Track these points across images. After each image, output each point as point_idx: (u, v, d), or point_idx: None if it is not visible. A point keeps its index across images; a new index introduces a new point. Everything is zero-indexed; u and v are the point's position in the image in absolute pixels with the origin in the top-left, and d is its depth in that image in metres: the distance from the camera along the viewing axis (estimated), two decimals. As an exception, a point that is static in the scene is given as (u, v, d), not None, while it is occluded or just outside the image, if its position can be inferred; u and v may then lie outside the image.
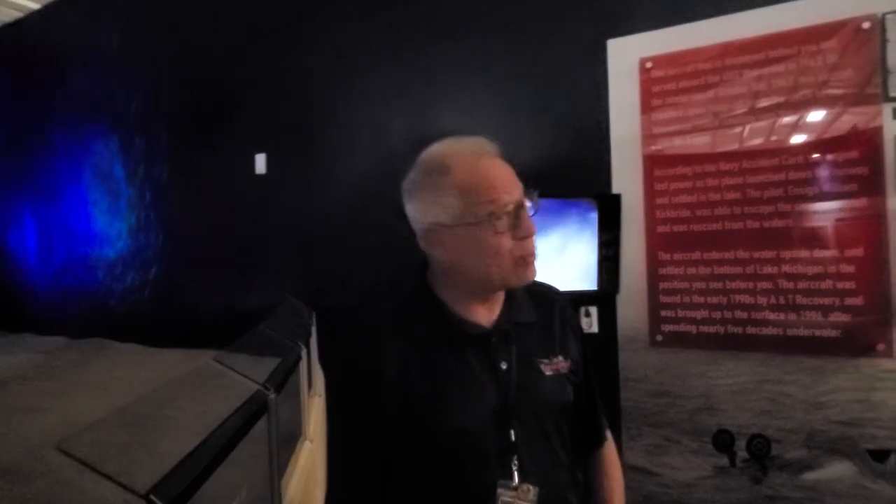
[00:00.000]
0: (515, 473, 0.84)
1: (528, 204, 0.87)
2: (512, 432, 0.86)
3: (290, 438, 1.37)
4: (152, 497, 0.51)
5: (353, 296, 2.59)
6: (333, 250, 2.70)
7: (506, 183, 0.85)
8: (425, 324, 0.88)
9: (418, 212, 0.88)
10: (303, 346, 1.46)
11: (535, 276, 0.89)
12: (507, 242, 0.84)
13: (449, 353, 0.87)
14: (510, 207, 0.84)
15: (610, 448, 1.08)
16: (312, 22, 2.81)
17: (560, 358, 0.93)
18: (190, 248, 3.30)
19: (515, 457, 0.85)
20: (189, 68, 3.31)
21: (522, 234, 0.85)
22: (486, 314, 0.91)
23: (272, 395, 0.94)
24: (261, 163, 3.05)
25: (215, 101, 3.21)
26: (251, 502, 0.89)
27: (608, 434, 1.09)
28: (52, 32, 4.00)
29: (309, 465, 1.30)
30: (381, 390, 0.85)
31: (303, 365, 1.43)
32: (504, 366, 0.87)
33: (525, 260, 0.87)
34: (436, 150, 0.90)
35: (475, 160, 0.86)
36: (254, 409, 0.87)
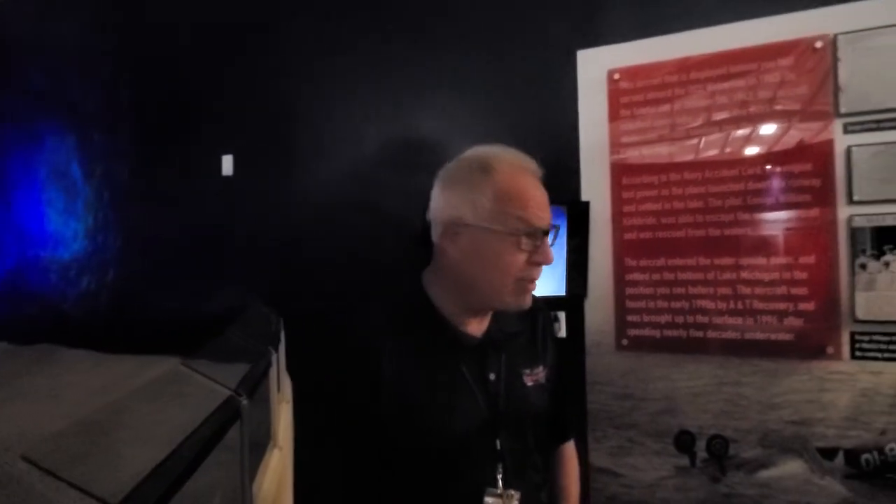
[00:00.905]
0: (500, 480, 0.86)
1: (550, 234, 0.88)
2: (498, 441, 0.88)
3: (259, 446, 1.35)
4: (124, 508, 0.49)
5: (322, 301, 2.56)
6: (302, 255, 2.66)
7: (541, 204, 0.86)
8: (421, 330, 0.89)
9: (447, 202, 0.88)
10: (273, 352, 1.43)
11: (529, 304, 0.90)
12: (520, 262, 0.84)
13: (443, 361, 0.88)
14: (538, 229, 0.84)
15: (571, 443, 1.15)
16: (283, 19, 2.77)
17: (540, 367, 0.96)
18: (151, 250, 3.19)
19: (501, 464, 0.87)
20: (152, 64, 3.21)
21: (538, 260, 0.86)
22: (477, 324, 0.92)
23: (244, 402, 0.93)
24: (227, 164, 2.97)
25: (180, 98, 3.12)
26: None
27: (572, 434, 1.14)
28: (1, 23, 3.82)
29: (279, 472, 1.28)
30: (379, 392, 0.85)
31: (272, 371, 1.41)
32: (493, 377, 0.89)
33: (527, 286, 0.88)
34: (482, 149, 0.91)
35: (518, 172, 0.86)
36: (226, 416, 0.85)
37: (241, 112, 2.89)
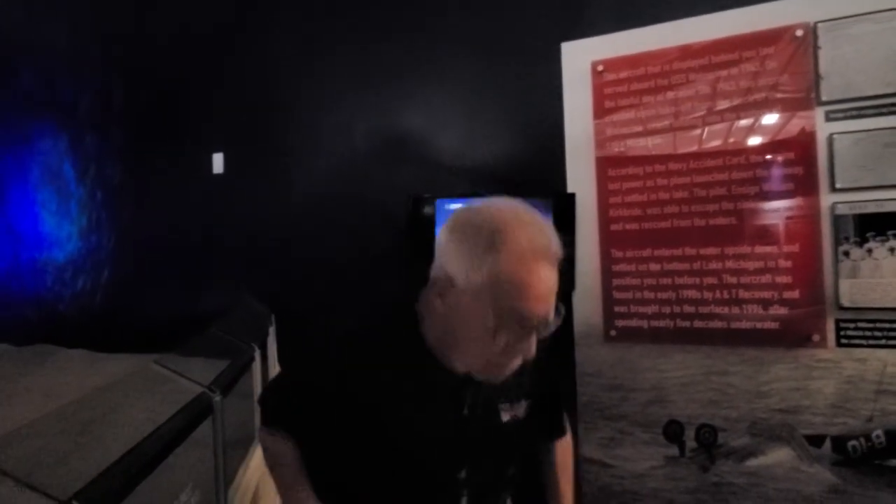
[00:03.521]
0: None
1: (552, 318, 0.80)
2: (464, 472, 0.89)
3: (244, 443, 1.36)
4: (75, 503, 0.50)
5: (314, 295, 2.57)
6: (294, 252, 2.67)
7: (541, 296, 0.78)
8: (407, 360, 0.88)
9: (445, 257, 0.82)
10: (256, 348, 1.44)
11: (501, 379, 0.85)
12: (498, 345, 0.79)
13: (423, 393, 0.88)
14: (528, 323, 0.78)
15: (566, 439, 1.13)
16: (272, 18, 2.77)
17: (522, 402, 0.95)
18: (144, 250, 3.20)
19: (465, 497, 0.89)
20: (143, 64, 3.21)
21: (518, 351, 0.81)
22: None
23: (217, 398, 0.93)
24: (218, 162, 2.98)
25: (170, 98, 3.12)
26: (196, 506, 0.88)
27: (567, 428, 1.14)
28: (-7, 25, 3.82)
29: (261, 469, 1.29)
30: (354, 414, 0.86)
31: (256, 367, 1.42)
32: (466, 411, 0.89)
33: (501, 369, 0.83)
34: (497, 214, 0.80)
35: (527, 257, 0.77)
36: (196, 412, 0.86)
37: (230, 111, 2.89)
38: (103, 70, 3.37)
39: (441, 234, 0.85)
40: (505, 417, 0.91)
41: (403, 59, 2.46)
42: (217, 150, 2.95)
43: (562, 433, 1.13)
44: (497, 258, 0.77)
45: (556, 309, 0.81)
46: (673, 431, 1.97)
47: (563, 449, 1.13)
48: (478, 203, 0.85)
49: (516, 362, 0.83)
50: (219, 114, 2.96)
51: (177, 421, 0.78)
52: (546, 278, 0.78)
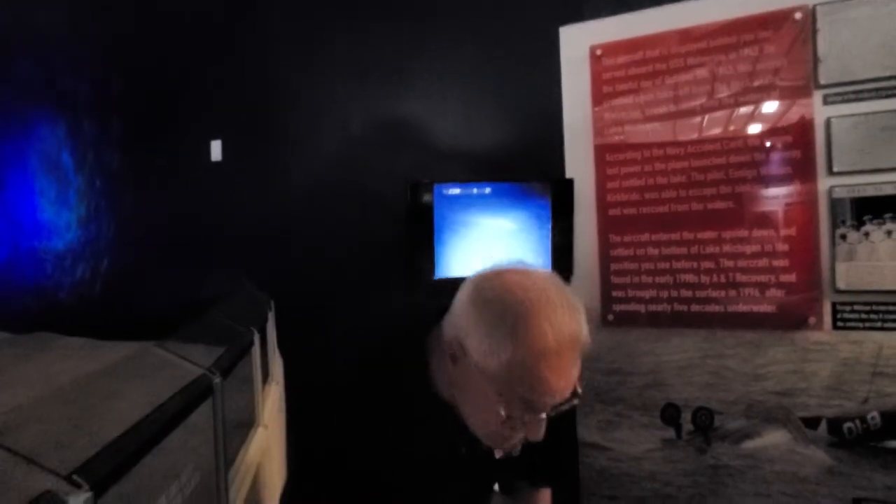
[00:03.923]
0: None
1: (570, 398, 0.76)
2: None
3: (244, 426, 1.37)
4: (75, 478, 0.51)
5: (314, 282, 2.58)
6: (293, 237, 2.67)
7: (556, 391, 0.73)
8: (415, 410, 0.88)
9: (459, 324, 0.78)
10: (256, 332, 1.45)
11: (505, 450, 0.83)
12: (502, 420, 0.75)
13: (427, 428, 0.88)
14: (536, 409, 0.75)
15: (544, 492, 1.08)
16: (271, 4, 2.75)
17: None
18: (143, 238, 3.20)
19: None
20: (140, 50, 3.19)
21: (522, 435, 0.78)
22: None
23: (217, 379, 0.94)
24: (216, 150, 2.97)
25: (168, 84, 3.10)
26: (197, 487, 0.90)
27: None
28: (-12, 12, 3.79)
29: (262, 451, 1.31)
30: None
31: (255, 351, 1.43)
32: (464, 450, 0.89)
33: (505, 441, 0.81)
34: (523, 297, 0.74)
35: (550, 355, 0.71)
36: (196, 393, 0.87)
37: (228, 97, 2.88)
38: (101, 57, 3.35)
39: (461, 295, 0.80)
40: (498, 454, 0.87)
41: (401, 45, 2.45)
42: (215, 138, 2.94)
43: (540, 483, 1.08)
44: (517, 350, 0.71)
45: (574, 391, 0.76)
46: (670, 414, 1.99)
47: (544, 497, 1.09)
48: (507, 270, 0.80)
49: (519, 438, 0.80)
50: (217, 101, 2.95)
51: (177, 401, 0.79)
52: (567, 372, 0.73)
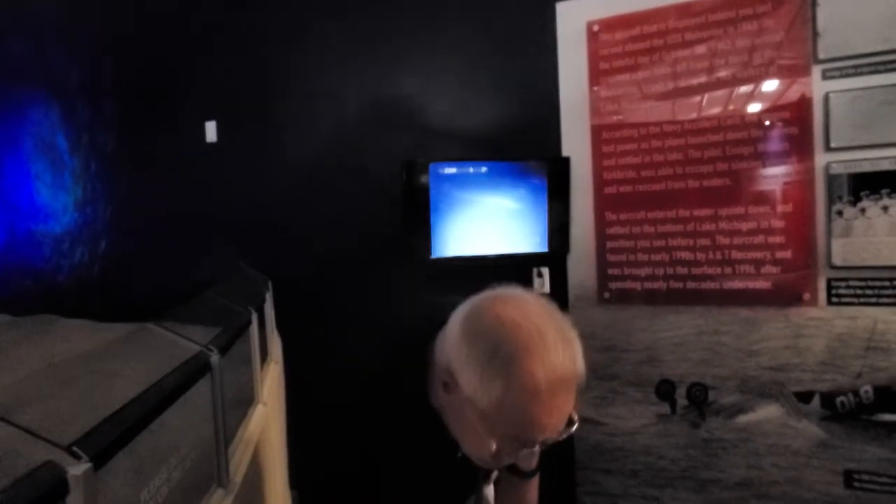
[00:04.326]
0: None
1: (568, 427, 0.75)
2: None
3: (243, 405, 1.39)
4: (75, 449, 0.52)
5: (311, 262, 2.59)
6: (290, 219, 2.67)
7: (547, 429, 0.72)
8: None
9: (451, 355, 0.77)
10: (253, 311, 1.46)
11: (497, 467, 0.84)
12: (495, 454, 0.76)
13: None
14: (531, 446, 0.74)
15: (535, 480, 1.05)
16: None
17: None
18: (140, 220, 3.20)
19: None
20: (134, 31, 3.15)
21: (513, 462, 0.80)
22: None
23: (215, 356, 0.95)
24: (211, 131, 2.95)
25: (162, 66, 3.07)
26: (197, 460, 0.91)
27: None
28: (-24, -8, 3.72)
29: (261, 427, 1.33)
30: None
31: (253, 329, 1.44)
32: (460, 454, 0.90)
33: (496, 463, 0.81)
34: (515, 333, 0.72)
35: (541, 394, 0.69)
36: (194, 369, 0.88)
37: (222, 78, 2.85)
38: (94, 40, 3.31)
39: (454, 322, 0.78)
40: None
41: (395, 22, 2.41)
42: (210, 119, 2.91)
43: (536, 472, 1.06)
44: (508, 388, 0.69)
45: (569, 420, 0.74)
46: (665, 390, 2.02)
47: (527, 489, 1.05)
48: (501, 299, 0.78)
49: (509, 462, 0.81)
50: (211, 83, 2.92)
51: (175, 377, 0.80)
52: (560, 410, 0.71)
